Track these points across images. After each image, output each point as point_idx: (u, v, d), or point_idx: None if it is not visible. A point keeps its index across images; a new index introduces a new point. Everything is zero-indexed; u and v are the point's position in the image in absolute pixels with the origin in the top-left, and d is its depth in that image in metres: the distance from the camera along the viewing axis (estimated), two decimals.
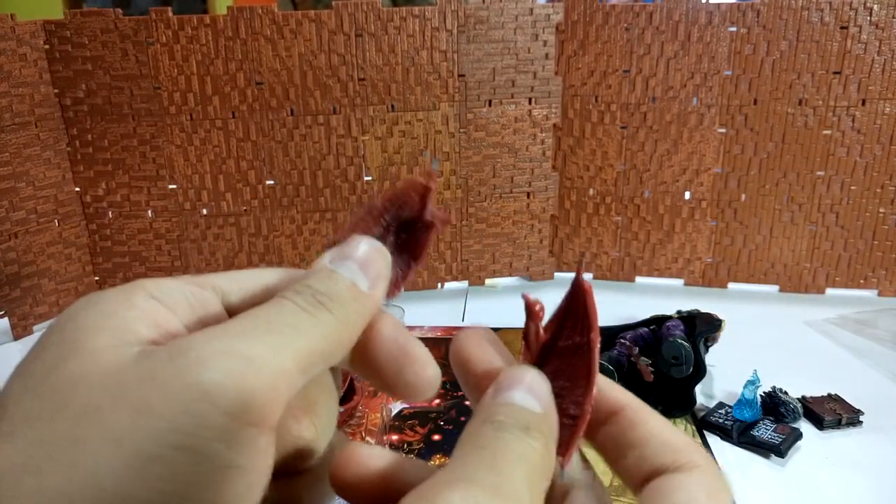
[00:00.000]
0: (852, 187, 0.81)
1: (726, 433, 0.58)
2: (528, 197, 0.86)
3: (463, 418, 0.61)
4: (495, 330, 0.82)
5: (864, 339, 0.74)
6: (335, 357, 0.20)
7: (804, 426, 0.59)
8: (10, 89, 0.73)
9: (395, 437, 0.58)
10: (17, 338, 0.77)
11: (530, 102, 0.82)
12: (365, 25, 0.77)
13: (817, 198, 0.82)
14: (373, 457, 0.21)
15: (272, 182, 0.81)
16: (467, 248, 0.87)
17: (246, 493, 0.17)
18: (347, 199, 0.83)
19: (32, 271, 0.78)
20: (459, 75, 0.80)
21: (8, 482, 0.15)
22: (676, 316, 0.67)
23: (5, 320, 0.77)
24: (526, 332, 0.23)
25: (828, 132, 0.79)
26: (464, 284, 0.89)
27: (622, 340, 0.65)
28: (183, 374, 0.16)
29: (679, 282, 0.89)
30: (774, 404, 0.60)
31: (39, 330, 0.80)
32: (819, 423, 0.59)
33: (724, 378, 0.66)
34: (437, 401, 0.63)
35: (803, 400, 0.61)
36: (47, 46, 0.75)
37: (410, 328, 0.76)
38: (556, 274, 0.91)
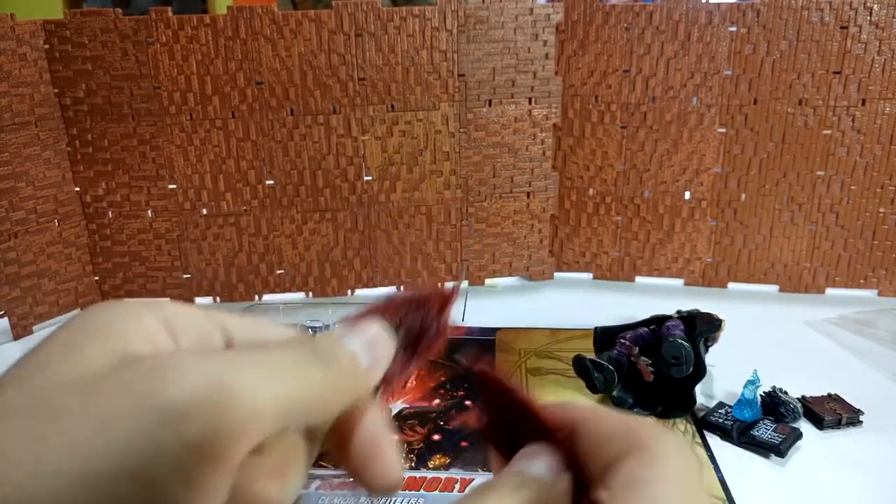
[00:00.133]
0: (852, 187, 0.81)
1: (726, 433, 0.58)
2: (528, 197, 0.86)
3: None
4: (495, 330, 0.82)
5: (864, 339, 0.74)
6: (314, 415, 0.20)
7: (804, 426, 0.59)
8: (10, 89, 0.73)
9: (395, 438, 0.58)
10: (16, 338, 0.77)
11: (530, 102, 0.82)
12: (365, 25, 0.77)
13: (817, 198, 0.82)
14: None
15: (272, 182, 0.81)
16: (467, 248, 0.87)
17: None
18: (347, 199, 0.83)
19: (32, 271, 0.78)
20: (459, 75, 0.80)
21: None
22: (676, 316, 0.67)
23: (5, 320, 0.77)
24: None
25: (828, 132, 0.79)
26: (464, 284, 0.89)
27: (622, 340, 0.65)
28: (155, 390, 0.16)
29: (679, 282, 0.89)
30: (774, 404, 0.60)
31: (39, 330, 0.80)
32: (819, 423, 0.59)
33: (724, 378, 0.66)
34: (437, 401, 0.64)
35: (803, 400, 0.61)
36: (47, 46, 0.75)
37: None
38: (556, 274, 0.91)
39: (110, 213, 0.82)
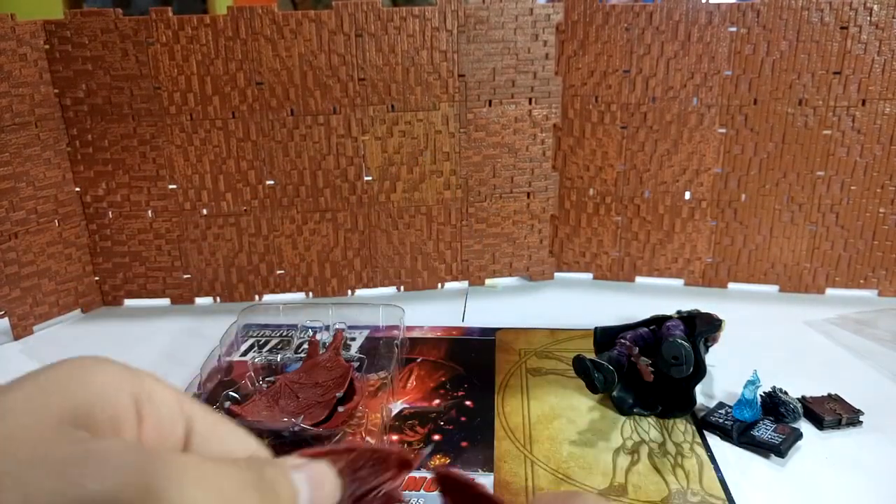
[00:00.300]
0: (852, 187, 0.81)
1: (726, 433, 0.58)
2: (528, 197, 0.86)
3: (463, 418, 0.61)
4: (495, 330, 0.82)
5: (864, 339, 0.74)
6: None
7: (804, 426, 0.59)
8: (10, 89, 0.73)
9: (395, 437, 0.58)
10: (17, 338, 0.77)
11: (530, 102, 0.82)
12: (365, 25, 0.77)
13: (817, 198, 0.82)
14: None
15: (272, 182, 0.81)
16: (467, 248, 0.87)
17: None
18: (347, 199, 0.83)
19: (32, 271, 0.78)
20: (459, 75, 0.80)
21: None
22: (676, 316, 0.67)
23: (5, 320, 0.77)
24: None
25: (828, 132, 0.79)
26: (464, 284, 0.89)
27: (622, 340, 0.65)
28: (82, 479, 0.16)
29: (679, 282, 0.89)
30: (774, 404, 0.60)
31: (39, 330, 0.80)
32: (819, 423, 0.59)
33: (724, 378, 0.66)
34: (437, 401, 0.64)
35: (803, 400, 0.61)
36: (47, 46, 0.75)
37: (410, 328, 0.76)
38: (556, 274, 0.91)
39: (110, 213, 0.82)
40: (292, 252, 0.85)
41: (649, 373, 0.61)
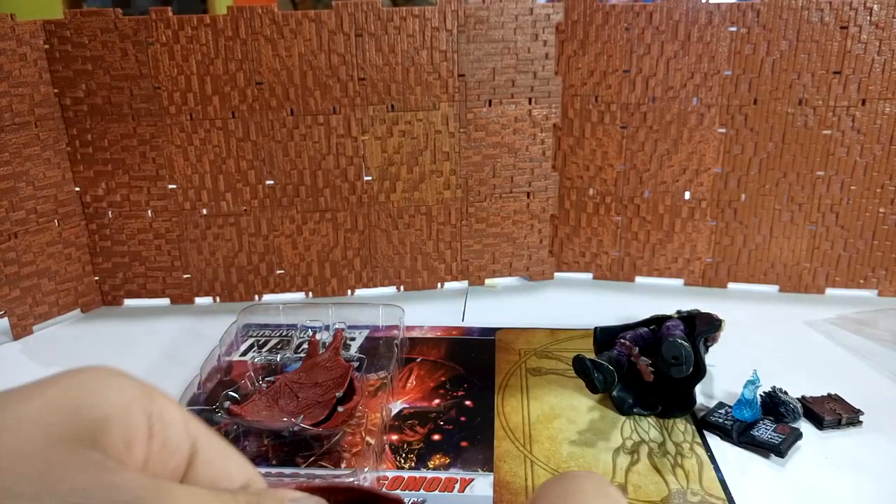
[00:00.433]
0: (852, 187, 0.81)
1: (726, 433, 0.58)
2: (528, 197, 0.86)
3: (463, 418, 0.61)
4: (495, 330, 0.82)
5: (864, 339, 0.74)
6: None
7: (804, 426, 0.59)
8: (10, 89, 0.73)
9: (395, 437, 0.58)
10: (16, 338, 0.77)
11: (530, 102, 0.82)
12: (365, 25, 0.77)
13: (817, 198, 0.82)
14: None
15: (272, 182, 0.81)
16: (467, 248, 0.87)
17: None
18: (347, 199, 0.83)
19: (32, 271, 0.78)
20: (459, 75, 0.80)
21: None
22: (676, 316, 0.67)
23: (5, 320, 0.77)
24: None
25: (828, 132, 0.79)
26: (464, 284, 0.89)
27: (622, 340, 0.65)
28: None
29: (679, 282, 0.89)
30: (774, 404, 0.60)
31: (39, 330, 0.80)
32: (819, 423, 0.59)
33: (724, 378, 0.66)
34: (437, 401, 0.64)
35: (803, 400, 0.61)
36: (47, 46, 0.75)
37: (410, 328, 0.76)
38: (556, 274, 0.91)
39: (110, 213, 0.82)
40: (292, 252, 0.85)
41: (649, 373, 0.61)
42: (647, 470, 0.54)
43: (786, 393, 0.60)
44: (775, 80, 0.78)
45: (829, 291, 0.85)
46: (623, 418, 0.61)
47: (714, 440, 0.58)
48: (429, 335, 0.76)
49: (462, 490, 0.52)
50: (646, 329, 0.67)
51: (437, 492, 0.52)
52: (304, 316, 0.76)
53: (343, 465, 0.54)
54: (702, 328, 0.64)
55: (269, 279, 0.85)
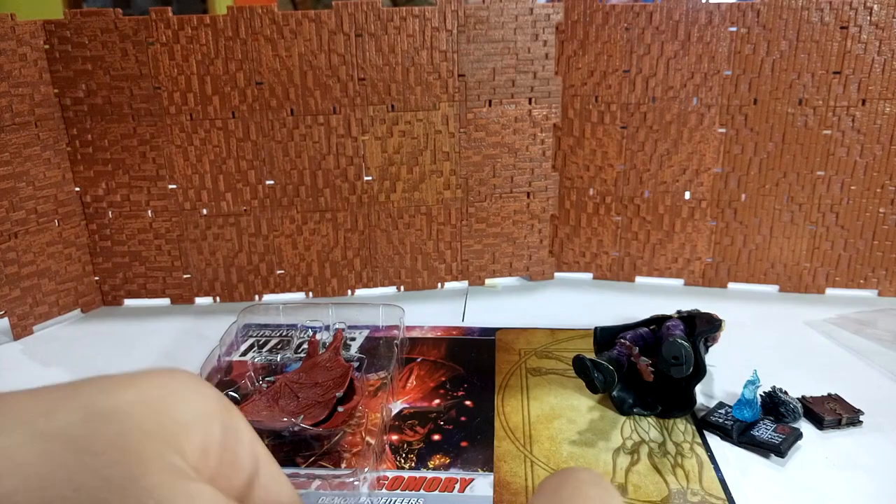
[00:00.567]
0: (852, 187, 0.81)
1: (726, 433, 0.58)
2: (528, 197, 0.86)
3: (463, 418, 0.61)
4: (495, 330, 0.82)
5: (864, 339, 0.74)
6: None
7: (804, 426, 0.59)
8: (10, 89, 0.73)
9: (395, 437, 0.58)
10: (16, 338, 0.77)
11: (530, 102, 0.82)
12: (365, 25, 0.77)
13: (817, 198, 0.82)
14: None
15: (272, 182, 0.81)
16: (467, 248, 0.87)
17: None
18: (347, 199, 0.83)
19: (32, 271, 0.78)
20: (459, 75, 0.80)
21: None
22: (676, 316, 0.67)
23: (5, 320, 0.77)
24: None
25: (828, 132, 0.79)
26: (464, 284, 0.89)
27: (622, 340, 0.65)
28: None
29: (679, 282, 0.89)
30: (774, 404, 0.60)
31: (39, 330, 0.80)
32: (819, 423, 0.59)
33: (724, 378, 0.66)
34: (437, 401, 0.64)
35: (803, 400, 0.61)
36: (47, 46, 0.75)
37: (410, 328, 0.76)
38: (556, 274, 0.91)
39: (110, 213, 0.82)
40: (292, 252, 0.85)
41: (649, 373, 0.61)
42: (647, 470, 0.54)
43: (786, 393, 0.60)
44: (775, 80, 0.78)
45: (829, 291, 0.85)
46: (623, 418, 0.61)
47: (714, 440, 0.58)
48: (429, 335, 0.76)
49: (462, 490, 0.52)
50: (646, 329, 0.67)
51: (437, 492, 0.52)
52: (304, 316, 0.76)
53: (343, 465, 0.54)
54: (702, 328, 0.64)
55: (269, 279, 0.85)
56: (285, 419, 0.58)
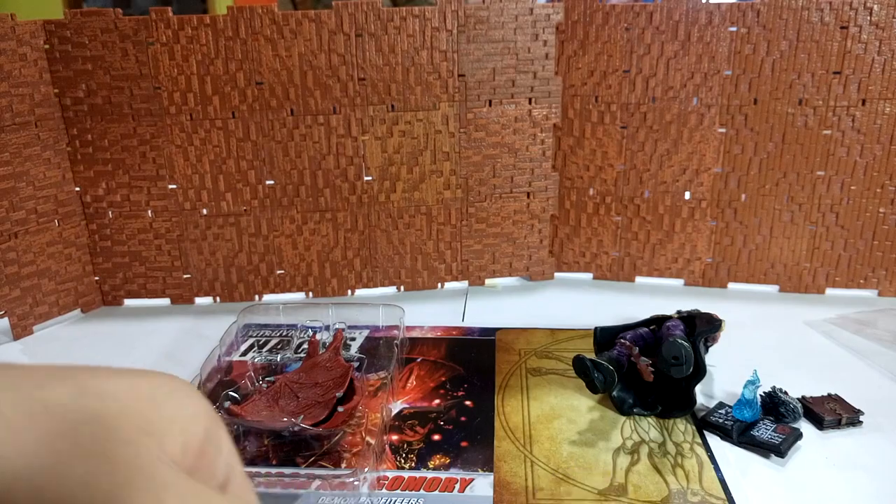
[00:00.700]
0: (852, 187, 0.81)
1: (726, 433, 0.58)
2: (528, 197, 0.86)
3: (463, 418, 0.61)
4: (495, 330, 0.82)
5: (864, 339, 0.74)
6: None
7: (804, 426, 0.59)
8: (10, 89, 0.73)
9: (395, 437, 0.58)
10: (16, 338, 0.77)
11: (530, 102, 0.82)
12: (365, 25, 0.77)
13: (817, 198, 0.82)
14: None
15: (272, 182, 0.81)
16: (467, 248, 0.87)
17: None
18: (347, 199, 0.83)
19: (32, 271, 0.78)
20: (459, 75, 0.80)
21: None
22: (676, 316, 0.67)
23: (5, 320, 0.77)
24: None
25: (828, 132, 0.79)
26: (464, 284, 0.89)
27: (622, 340, 0.65)
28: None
29: (679, 282, 0.89)
30: (774, 404, 0.60)
31: (39, 330, 0.80)
32: (819, 423, 0.59)
33: (724, 378, 0.66)
34: (437, 401, 0.64)
35: (803, 400, 0.61)
36: (47, 46, 0.75)
37: (410, 328, 0.76)
38: (556, 274, 0.91)
39: (110, 213, 0.82)
40: (292, 252, 0.85)
41: (649, 373, 0.61)
42: (647, 470, 0.54)
43: (786, 393, 0.60)
44: (775, 80, 0.78)
45: (829, 291, 0.85)
46: (623, 418, 0.61)
47: (714, 440, 0.58)
48: (429, 335, 0.76)
49: (462, 490, 0.52)
50: (646, 329, 0.67)
51: (437, 492, 0.52)
52: (304, 316, 0.76)
53: (343, 465, 0.54)
54: (702, 328, 0.64)
55: (269, 279, 0.85)
56: (285, 419, 0.58)
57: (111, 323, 0.82)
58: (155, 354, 0.74)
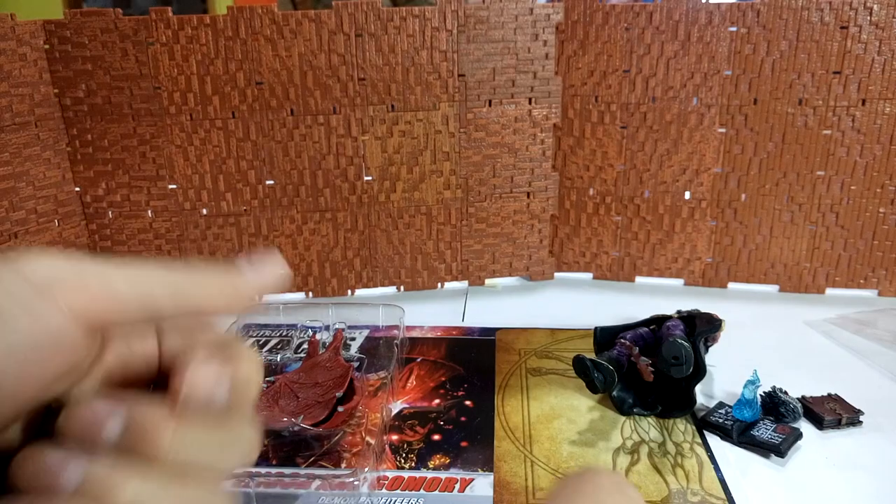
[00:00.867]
0: (852, 187, 0.81)
1: (726, 433, 0.58)
2: (528, 197, 0.86)
3: (463, 418, 0.61)
4: (495, 330, 0.82)
5: (864, 339, 0.74)
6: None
7: (804, 426, 0.59)
8: (10, 89, 0.73)
9: (395, 437, 0.58)
10: None
11: (530, 102, 0.82)
12: (365, 25, 0.77)
13: (817, 198, 0.82)
14: None
15: (272, 182, 0.81)
16: (467, 248, 0.87)
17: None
18: (347, 199, 0.83)
19: None
20: (459, 75, 0.80)
21: None
22: (676, 316, 0.67)
23: None
24: None
25: (828, 132, 0.79)
26: (464, 284, 0.89)
27: (622, 340, 0.65)
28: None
29: (679, 282, 0.89)
30: (774, 404, 0.60)
31: None
32: (819, 423, 0.59)
33: (724, 378, 0.66)
34: (437, 401, 0.64)
35: (803, 400, 0.61)
36: (47, 46, 0.75)
37: (410, 328, 0.76)
38: (556, 274, 0.91)
39: (110, 213, 0.82)
40: (292, 252, 0.85)
41: (649, 373, 0.61)
42: (647, 470, 0.54)
43: (786, 393, 0.61)
44: (775, 80, 0.78)
45: (829, 291, 0.85)
46: (623, 418, 0.61)
47: (714, 440, 0.58)
48: (429, 335, 0.76)
49: (462, 490, 0.52)
50: (646, 329, 0.67)
51: (437, 492, 0.52)
52: (304, 316, 0.76)
53: (343, 465, 0.54)
54: (702, 328, 0.64)
55: None
56: (285, 419, 0.58)
57: None
58: None
